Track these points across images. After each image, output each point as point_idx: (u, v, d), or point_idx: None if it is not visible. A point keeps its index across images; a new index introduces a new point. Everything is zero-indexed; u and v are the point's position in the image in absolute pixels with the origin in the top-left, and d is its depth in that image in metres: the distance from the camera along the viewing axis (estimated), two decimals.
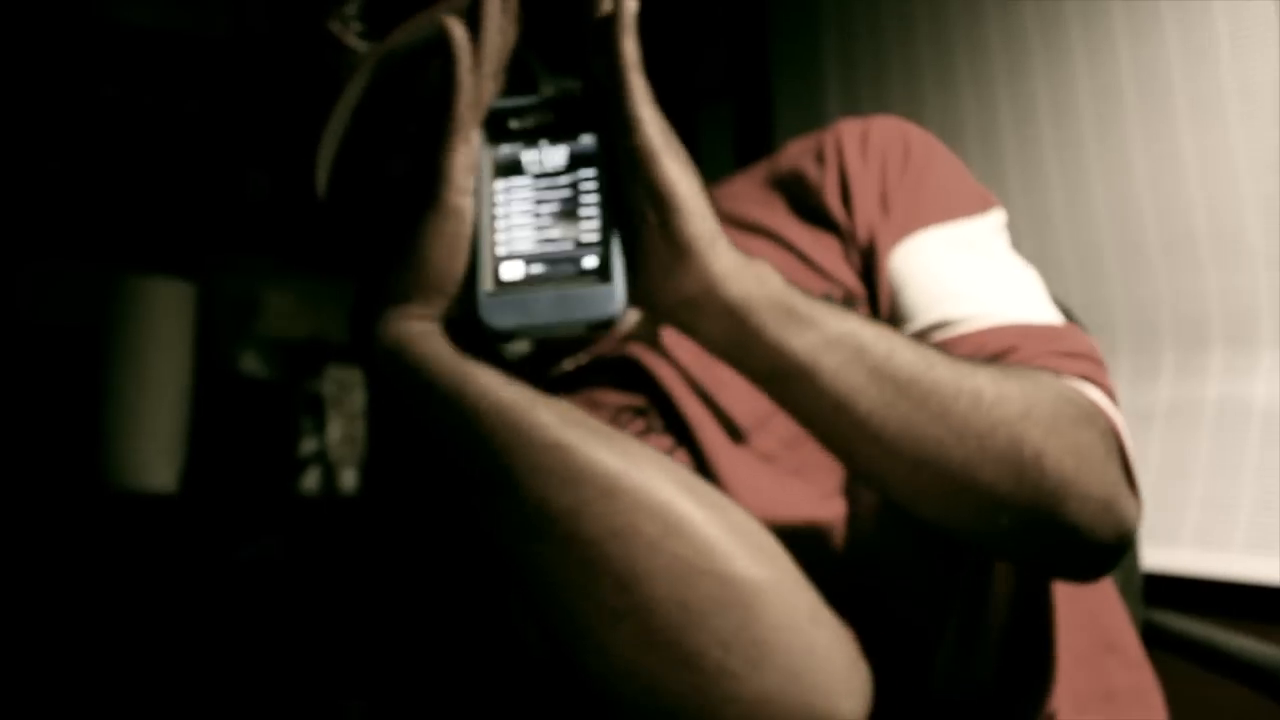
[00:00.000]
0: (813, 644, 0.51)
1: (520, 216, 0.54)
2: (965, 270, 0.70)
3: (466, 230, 0.53)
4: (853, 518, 0.66)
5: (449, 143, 0.53)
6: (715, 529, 0.52)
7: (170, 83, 2.11)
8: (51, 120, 2.03)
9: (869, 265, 0.73)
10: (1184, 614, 1.11)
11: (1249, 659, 0.95)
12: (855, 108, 2.00)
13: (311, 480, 1.83)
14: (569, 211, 0.53)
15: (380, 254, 0.56)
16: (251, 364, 1.99)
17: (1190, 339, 1.46)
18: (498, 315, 0.52)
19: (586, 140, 0.54)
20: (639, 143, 0.52)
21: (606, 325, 0.52)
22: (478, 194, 0.53)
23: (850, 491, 0.67)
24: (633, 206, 0.52)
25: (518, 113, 0.55)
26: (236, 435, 1.87)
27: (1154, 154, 1.49)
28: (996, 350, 0.65)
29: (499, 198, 0.54)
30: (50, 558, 1.66)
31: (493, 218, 0.53)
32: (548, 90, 0.62)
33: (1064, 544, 0.59)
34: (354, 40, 0.69)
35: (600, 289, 0.51)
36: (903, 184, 0.74)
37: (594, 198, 0.53)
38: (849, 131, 0.78)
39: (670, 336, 0.74)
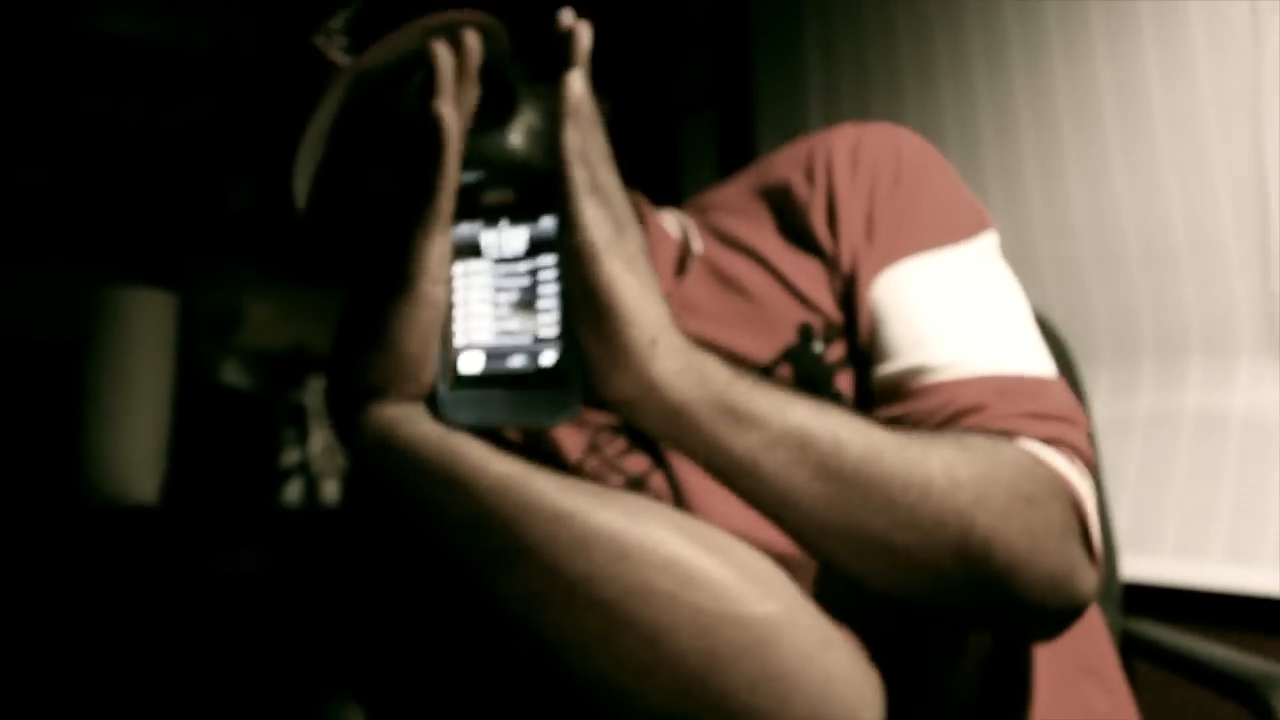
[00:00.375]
0: (830, 669, 0.52)
1: (479, 305, 0.51)
2: (947, 309, 0.69)
3: (439, 319, 0.52)
4: None
5: (428, 229, 0.51)
6: (727, 572, 0.52)
7: (153, 93, 2.11)
8: (32, 130, 2.02)
9: (850, 292, 0.72)
10: (1164, 623, 1.12)
11: (1222, 668, 0.96)
12: (838, 117, 2.01)
13: (293, 492, 1.82)
14: (527, 301, 0.50)
15: (351, 332, 0.54)
16: (233, 375, 1.98)
17: (1170, 348, 1.47)
18: (456, 412, 0.50)
19: (547, 223, 0.51)
20: (578, 242, 0.49)
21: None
22: None
23: None
24: (574, 305, 0.51)
25: (477, 188, 0.52)
26: (218, 447, 1.86)
27: (1133, 163, 1.51)
28: (967, 405, 0.64)
29: (458, 283, 0.52)
30: (30, 571, 1.64)
31: (450, 305, 0.52)
32: (525, 118, 0.61)
33: (1013, 616, 0.59)
34: (338, 55, 0.69)
35: (556, 392, 0.50)
36: (891, 206, 0.73)
37: (552, 288, 0.50)
38: (841, 145, 0.76)
39: None
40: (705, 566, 0.52)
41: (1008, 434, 0.61)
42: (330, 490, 1.83)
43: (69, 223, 2.04)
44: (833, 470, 0.53)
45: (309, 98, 0.67)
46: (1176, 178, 1.45)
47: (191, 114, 2.13)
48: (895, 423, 0.59)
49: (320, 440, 1.85)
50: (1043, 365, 0.68)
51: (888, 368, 0.69)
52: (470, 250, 0.52)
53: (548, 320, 0.50)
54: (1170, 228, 1.46)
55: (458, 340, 0.51)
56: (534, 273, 0.51)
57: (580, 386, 0.50)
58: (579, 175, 0.50)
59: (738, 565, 0.53)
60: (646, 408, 0.52)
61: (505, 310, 0.51)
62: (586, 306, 0.50)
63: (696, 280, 0.78)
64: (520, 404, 0.50)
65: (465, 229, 0.52)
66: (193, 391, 1.90)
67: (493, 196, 0.52)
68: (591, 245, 0.49)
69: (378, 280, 0.52)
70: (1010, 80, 1.70)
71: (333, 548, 1.71)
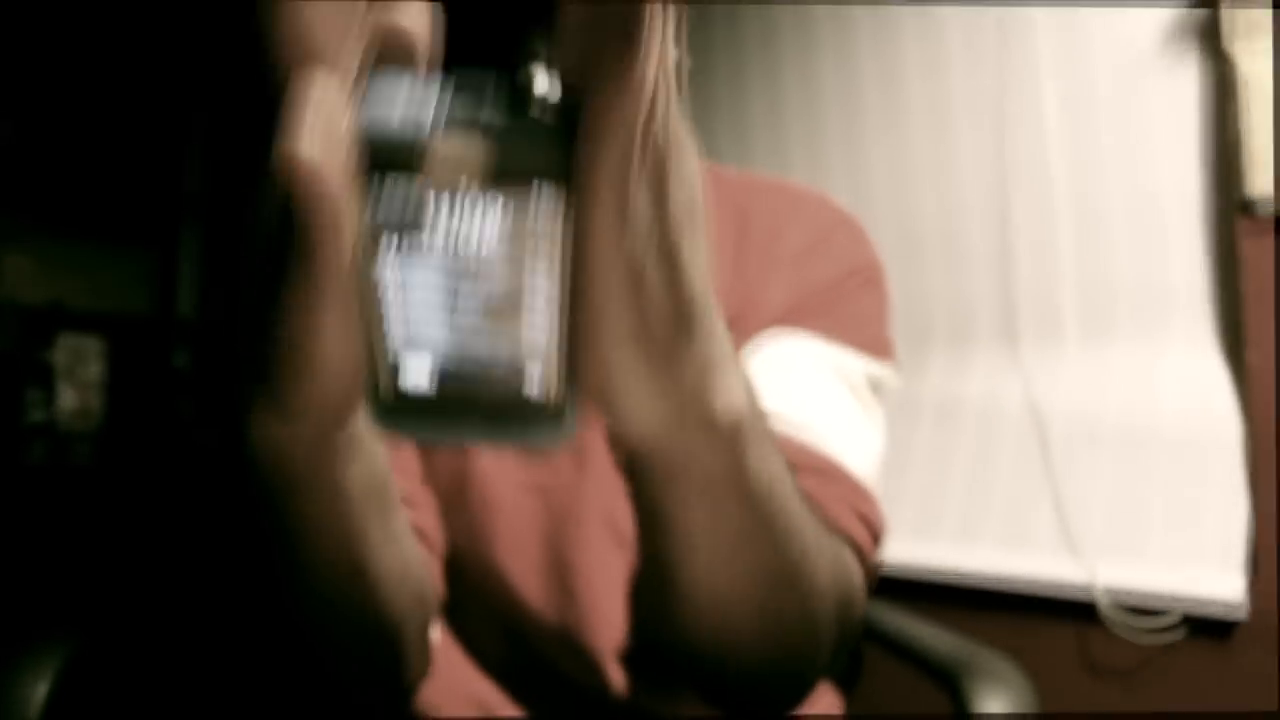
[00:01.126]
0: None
1: (425, 299, 0.35)
2: (823, 388, 0.71)
3: (365, 316, 0.35)
4: None
5: (323, 189, 0.31)
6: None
7: None
8: None
9: (737, 318, 0.72)
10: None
11: (925, 650, 1.02)
12: None
13: (38, 451, 1.72)
14: (506, 300, 0.35)
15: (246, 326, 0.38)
16: None
17: (916, 338, 1.55)
18: (398, 428, 0.37)
19: (544, 193, 0.33)
20: (664, 233, 0.34)
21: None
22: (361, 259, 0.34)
23: None
24: (592, 315, 0.36)
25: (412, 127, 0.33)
26: None
27: (891, 158, 1.59)
28: (811, 468, 0.64)
29: (390, 270, 0.35)
30: None
31: (380, 298, 0.35)
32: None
33: (782, 693, 0.61)
34: None
35: (546, 422, 0.36)
36: (829, 290, 0.76)
37: (545, 282, 0.35)
38: (820, 224, 0.80)
39: None
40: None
41: (842, 532, 0.63)
42: (81, 450, 1.75)
43: None
44: (780, 511, 0.48)
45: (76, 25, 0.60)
46: (929, 173, 1.54)
47: None
48: None
49: (71, 399, 1.76)
50: (869, 480, 0.70)
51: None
52: (406, 220, 0.34)
53: (538, 324, 0.35)
54: (922, 221, 1.55)
55: (397, 345, 0.35)
56: (516, 259, 0.34)
57: (575, 409, 0.36)
58: (670, 112, 0.33)
59: None
60: (688, 438, 0.40)
61: (469, 308, 0.35)
62: (632, 319, 0.36)
63: None
64: (490, 428, 0.36)
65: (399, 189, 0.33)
66: None
67: (449, 145, 0.32)
68: (675, 242, 0.35)
69: (271, 254, 0.35)
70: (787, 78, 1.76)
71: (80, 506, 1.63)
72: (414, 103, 0.32)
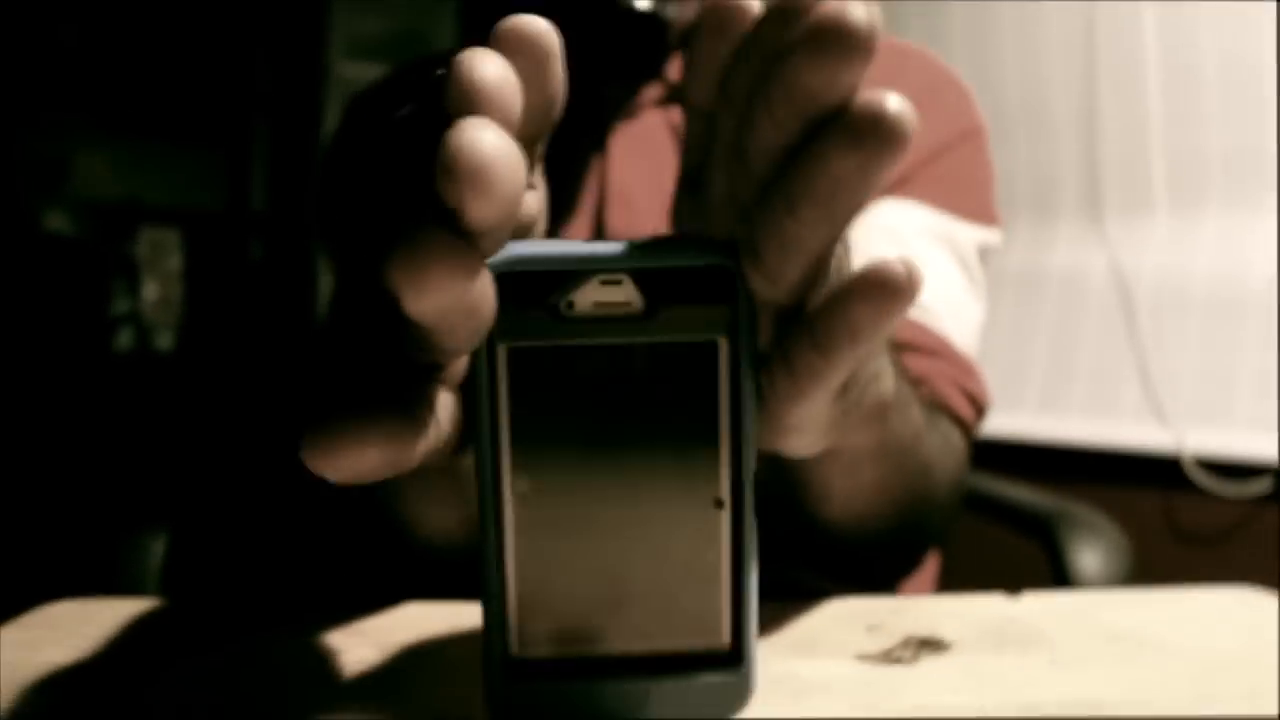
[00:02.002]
0: None
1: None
2: (932, 261, 0.69)
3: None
4: None
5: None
6: None
7: None
8: None
9: None
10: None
11: (1017, 506, 1.01)
12: None
13: (125, 339, 1.76)
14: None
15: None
16: (58, 223, 1.89)
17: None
18: (521, 694, 0.27)
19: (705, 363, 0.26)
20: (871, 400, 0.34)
21: None
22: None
23: None
24: None
25: (567, 274, 0.26)
26: (41, 293, 1.78)
27: (976, 31, 1.55)
28: (922, 346, 0.65)
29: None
30: None
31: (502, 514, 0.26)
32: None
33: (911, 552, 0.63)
34: None
35: (729, 677, 0.28)
36: (932, 156, 0.72)
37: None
38: (927, 78, 0.76)
39: None
40: None
41: (951, 411, 0.64)
42: (164, 339, 1.78)
43: None
44: (911, 444, 0.49)
45: None
46: (1013, 40, 1.50)
47: None
48: None
49: (154, 291, 1.79)
50: (973, 354, 0.70)
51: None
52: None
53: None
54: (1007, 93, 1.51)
55: (521, 589, 0.27)
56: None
57: (757, 663, 0.28)
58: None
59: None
60: (839, 436, 0.35)
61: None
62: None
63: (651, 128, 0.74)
64: (656, 702, 0.28)
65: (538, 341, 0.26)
66: (12, 239, 1.81)
67: (592, 292, 0.26)
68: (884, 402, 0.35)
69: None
70: None
71: (165, 394, 1.67)
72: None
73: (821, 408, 0.28)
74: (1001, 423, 1.44)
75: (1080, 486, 1.34)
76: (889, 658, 0.36)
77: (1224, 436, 1.26)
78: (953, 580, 0.81)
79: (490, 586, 0.26)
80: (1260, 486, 1.21)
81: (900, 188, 0.71)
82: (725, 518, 0.26)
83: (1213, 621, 0.41)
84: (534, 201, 0.29)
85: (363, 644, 0.36)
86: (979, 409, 0.66)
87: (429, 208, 0.21)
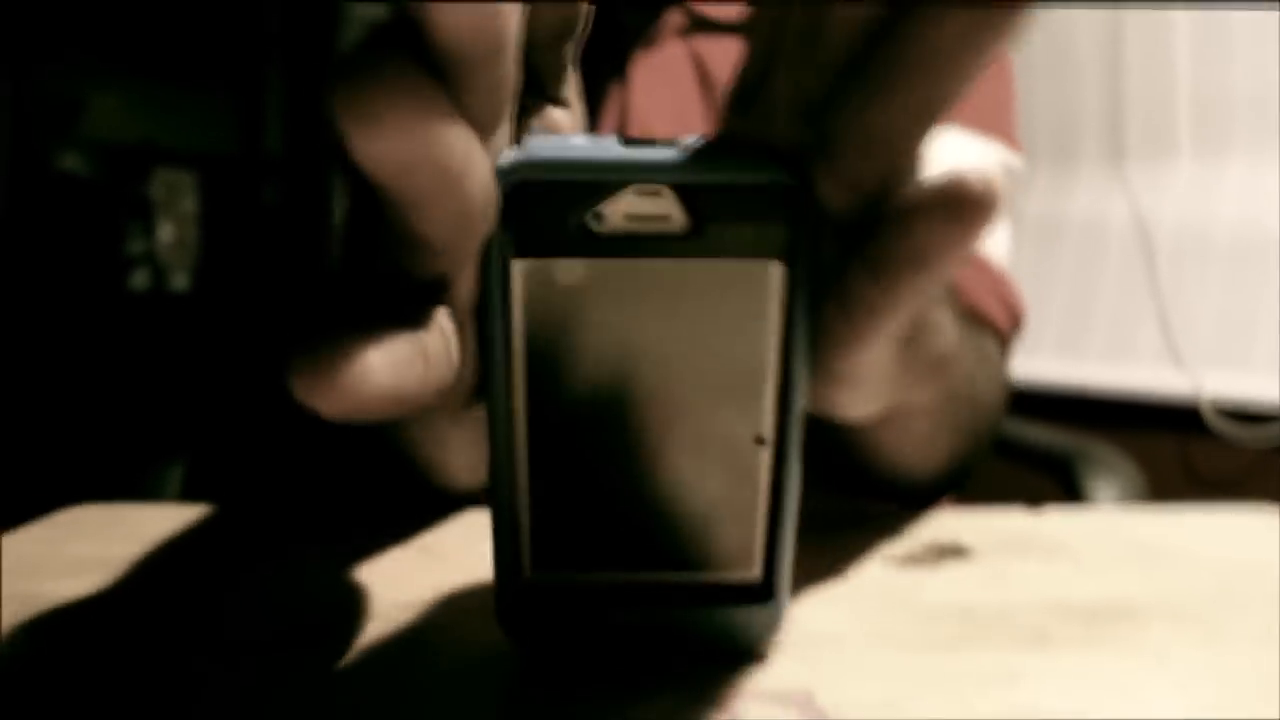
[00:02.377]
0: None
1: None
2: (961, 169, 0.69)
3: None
4: None
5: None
6: None
7: None
8: None
9: None
10: None
11: (1034, 445, 1.01)
12: None
13: (140, 280, 1.76)
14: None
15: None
16: (72, 163, 1.89)
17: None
18: (536, 616, 0.26)
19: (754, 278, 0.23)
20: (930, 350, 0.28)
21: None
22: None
23: None
24: None
25: (597, 186, 0.22)
26: (56, 232, 1.78)
27: None
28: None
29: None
30: None
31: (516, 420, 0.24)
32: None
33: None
34: None
35: (757, 611, 0.26)
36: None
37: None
38: None
39: None
40: None
41: (989, 322, 0.64)
42: (179, 279, 1.78)
43: None
44: (964, 381, 0.50)
45: None
46: None
47: None
48: None
49: (169, 232, 1.79)
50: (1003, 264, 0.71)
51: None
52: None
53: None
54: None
55: (536, 493, 0.25)
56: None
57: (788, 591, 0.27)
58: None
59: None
60: (902, 395, 0.31)
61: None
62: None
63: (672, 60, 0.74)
64: (677, 632, 0.27)
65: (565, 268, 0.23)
66: (27, 179, 1.81)
67: (625, 207, 0.22)
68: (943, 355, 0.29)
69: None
70: None
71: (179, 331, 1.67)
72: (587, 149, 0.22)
73: (878, 357, 0.24)
74: (1021, 367, 1.44)
75: (1098, 431, 1.34)
76: (911, 560, 0.36)
77: (1242, 383, 1.25)
78: None
79: (501, 512, 0.24)
80: (1277, 433, 1.20)
81: None
82: (766, 455, 0.24)
83: (1234, 534, 0.41)
84: (566, 121, 0.27)
85: (421, 554, 0.36)
86: (1015, 319, 0.67)
87: (393, 28, 0.18)
